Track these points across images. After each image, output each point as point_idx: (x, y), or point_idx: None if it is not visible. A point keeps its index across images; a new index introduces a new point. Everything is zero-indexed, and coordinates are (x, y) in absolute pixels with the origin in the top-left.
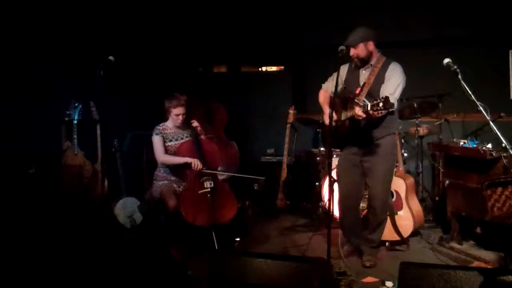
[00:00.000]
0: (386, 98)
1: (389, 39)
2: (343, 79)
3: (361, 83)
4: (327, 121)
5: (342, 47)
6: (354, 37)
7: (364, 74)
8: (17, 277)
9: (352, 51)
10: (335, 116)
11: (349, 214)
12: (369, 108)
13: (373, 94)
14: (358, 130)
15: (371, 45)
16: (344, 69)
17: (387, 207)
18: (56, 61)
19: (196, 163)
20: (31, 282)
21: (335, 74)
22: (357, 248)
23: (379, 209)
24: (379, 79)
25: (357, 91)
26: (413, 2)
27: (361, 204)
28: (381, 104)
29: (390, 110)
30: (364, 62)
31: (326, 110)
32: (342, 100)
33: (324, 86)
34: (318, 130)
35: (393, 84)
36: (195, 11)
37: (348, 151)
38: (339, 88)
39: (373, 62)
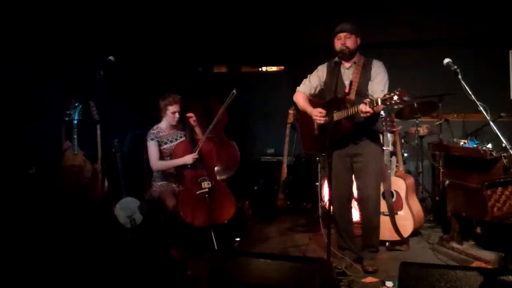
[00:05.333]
0: (401, 91)
1: (390, 39)
2: (323, 80)
3: (346, 82)
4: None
5: (342, 47)
6: (350, 26)
7: (347, 73)
8: (18, 277)
9: (343, 39)
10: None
11: (343, 217)
12: (379, 103)
13: (361, 92)
14: (348, 131)
15: (359, 42)
16: (323, 70)
17: (379, 210)
18: (56, 61)
19: (189, 159)
20: (32, 282)
21: (313, 76)
22: (357, 257)
23: (373, 212)
24: (365, 77)
25: (347, 90)
26: (413, 2)
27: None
28: (396, 97)
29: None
30: (350, 56)
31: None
32: (329, 101)
33: (301, 89)
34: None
35: (382, 81)
36: (195, 11)
37: (339, 152)
38: (318, 89)
39: (356, 60)
